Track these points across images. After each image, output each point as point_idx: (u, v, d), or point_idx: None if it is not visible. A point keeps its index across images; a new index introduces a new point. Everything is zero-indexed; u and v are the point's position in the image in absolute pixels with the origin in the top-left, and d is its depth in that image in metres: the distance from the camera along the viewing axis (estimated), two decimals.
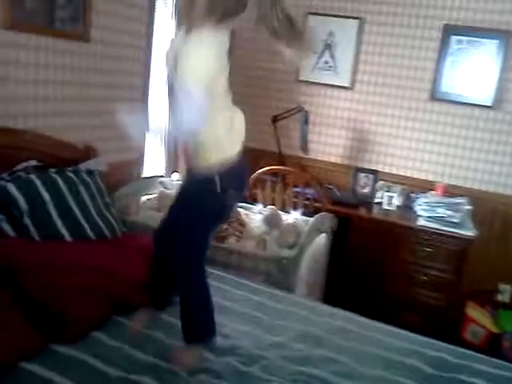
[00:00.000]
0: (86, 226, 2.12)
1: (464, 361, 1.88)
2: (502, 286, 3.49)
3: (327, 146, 3.90)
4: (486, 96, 3.40)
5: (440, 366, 1.83)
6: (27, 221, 1.88)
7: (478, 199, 3.38)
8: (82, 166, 2.37)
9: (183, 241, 1.57)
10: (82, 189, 2.21)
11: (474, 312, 3.30)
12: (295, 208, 3.19)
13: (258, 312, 2.06)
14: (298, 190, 3.31)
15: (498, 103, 3.39)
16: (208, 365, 1.64)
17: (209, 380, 1.56)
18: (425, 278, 3.13)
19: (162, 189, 3.03)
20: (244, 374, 1.62)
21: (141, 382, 1.49)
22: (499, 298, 3.51)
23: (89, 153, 2.53)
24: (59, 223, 1.99)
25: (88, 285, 1.77)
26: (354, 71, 3.73)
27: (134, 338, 1.67)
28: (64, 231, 1.99)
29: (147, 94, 3.04)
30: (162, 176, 3.23)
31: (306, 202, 3.26)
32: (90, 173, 2.34)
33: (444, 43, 3.46)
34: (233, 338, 1.83)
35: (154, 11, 2.96)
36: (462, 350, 2.00)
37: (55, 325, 1.62)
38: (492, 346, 3.13)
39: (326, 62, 3.78)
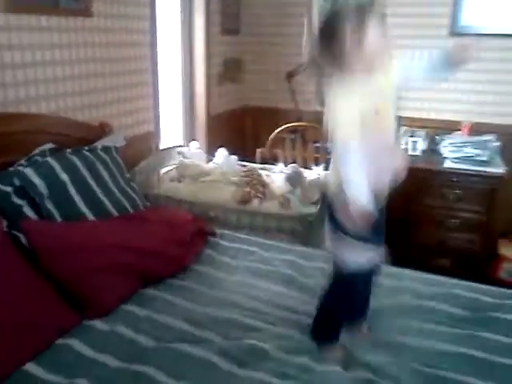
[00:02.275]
0: (108, 203, 2.14)
1: (499, 299, 1.85)
2: None
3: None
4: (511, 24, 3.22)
5: (473, 307, 1.80)
6: (49, 204, 1.90)
7: (508, 135, 3.25)
8: (99, 144, 2.38)
9: None
10: (100, 166, 2.21)
11: (508, 250, 3.23)
12: (317, 164, 3.15)
13: (290, 270, 2.06)
14: (318, 145, 3.26)
15: None
16: None
17: None
18: (455, 221, 3.07)
19: (181, 159, 3.03)
20: None
21: (175, 349, 1.52)
22: None
23: (104, 130, 2.53)
24: (81, 203, 2.01)
25: (115, 263, 1.81)
26: None
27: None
28: (86, 210, 2.01)
29: (156, 64, 3.00)
30: (180, 146, 3.22)
31: (328, 157, 3.20)
32: (106, 150, 2.35)
33: None
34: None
35: None
36: (497, 288, 1.97)
37: (84, 302, 1.67)
38: None
39: None
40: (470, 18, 3.32)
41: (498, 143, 3.10)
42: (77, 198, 2.01)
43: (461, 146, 3.11)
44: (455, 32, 3.38)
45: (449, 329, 1.68)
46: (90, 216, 2.03)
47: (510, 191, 3.24)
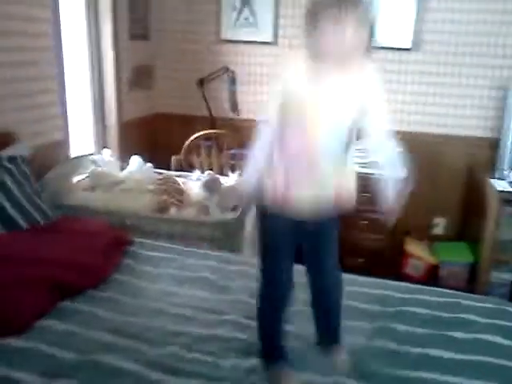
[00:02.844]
0: (17, 216, 2.02)
1: (407, 294, 1.99)
2: (436, 220, 3.69)
3: (257, 104, 3.88)
4: (405, 39, 3.47)
5: (385, 302, 1.92)
6: None
7: (408, 140, 3.49)
8: (3, 154, 2.24)
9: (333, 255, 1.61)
10: (6, 178, 2.09)
11: (413, 247, 3.48)
12: (233, 170, 3.19)
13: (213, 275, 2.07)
14: (233, 151, 3.30)
15: (416, 45, 3.47)
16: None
17: None
18: (365, 222, 3.25)
19: (93, 167, 2.92)
20: None
21: (100, 361, 1.47)
22: (434, 231, 3.71)
23: (8, 139, 2.38)
24: None
25: (26, 277, 1.71)
26: (276, 26, 3.68)
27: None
28: None
29: (62, 70, 2.87)
30: (91, 154, 3.11)
31: (243, 163, 3.25)
32: (12, 160, 2.22)
33: None
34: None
35: None
36: (404, 284, 2.12)
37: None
38: (431, 278, 3.33)
39: (246, 19, 3.70)
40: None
41: (399, 149, 3.32)
42: None
43: (366, 152, 3.29)
44: None
45: (362, 323, 1.77)
46: None
47: (412, 193, 3.49)
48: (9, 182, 2.09)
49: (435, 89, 3.55)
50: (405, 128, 3.58)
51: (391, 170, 1.51)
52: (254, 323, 1.62)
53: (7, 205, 2.01)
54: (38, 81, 2.68)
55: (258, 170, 1.48)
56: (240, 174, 1.45)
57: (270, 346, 1.55)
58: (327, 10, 1.30)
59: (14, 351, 1.50)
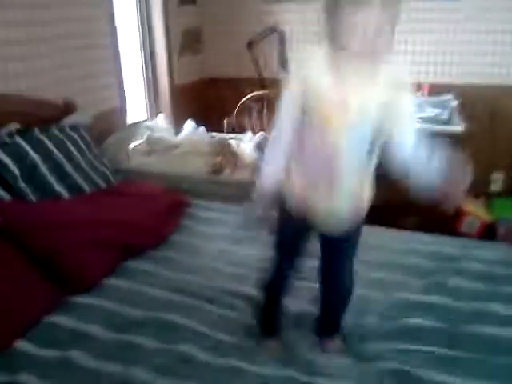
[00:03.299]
0: (81, 180, 2.14)
1: (461, 249, 1.97)
2: (495, 176, 3.57)
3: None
4: None
5: (439, 258, 1.92)
6: (22, 184, 1.89)
7: (465, 93, 3.37)
8: (66, 122, 2.35)
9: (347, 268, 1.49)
10: (69, 145, 2.20)
11: (468, 204, 3.39)
12: None
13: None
14: None
15: None
16: None
17: None
18: None
19: (149, 133, 3.02)
20: None
21: (162, 318, 1.57)
22: (492, 187, 3.59)
23: (69, 108, 2.49)
24: (54, 182, 2.01)
25: (95, 238, 1.82)
26: None
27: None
28: (60, 189, 2.02)
29: (116, 39, 2.94)
30: (146, 120, 3.20)
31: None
32: (74, 128, 2.33)
33: None
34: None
35: None
36: (459, 239, 2.10)
37: (67, 278, 1.68)
38: (488, 236, 3.25)
39: None
40: None
41: (455, 102, 3.21)
42: (49, 177, 2.01)
43: (422, 107, 3.20)
44: None
45: (415, 280, 1.79)
46: (64, 194, 2.04)
47: (469, 148, 3.38)
48: (72, 149, 2.21)
49: (487, 36, 3.36)
50: (459, 81, 3.44)
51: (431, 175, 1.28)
52: (305, 283, 1.67)
53: (73, 172, 2.12)
54: (94, 50, 2.77)
55: (277, 173, 1.35)
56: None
57: (264, 323, 1.57)
58: None
59: (83, 307, 1.63)
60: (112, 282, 1.77)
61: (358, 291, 1.56)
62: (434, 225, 3.08)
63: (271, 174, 1.35)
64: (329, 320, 1.58)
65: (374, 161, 1.32)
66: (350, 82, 1.22)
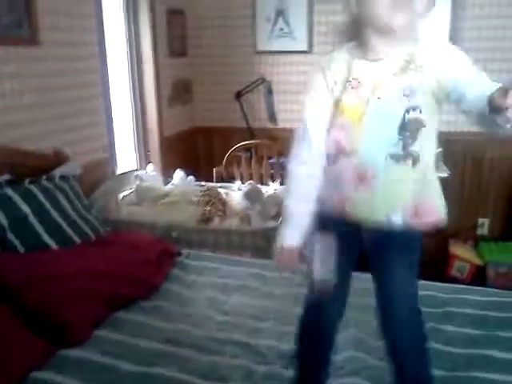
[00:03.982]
0: (70, 231, 2.13)
1: (452, 294, 1.98)
2: (481, 220, 3.63)
3: (295, 112, 3.92)
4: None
5: (430, 303, 1.91)
6: (10, 235, 1.88)
7: (448, 140, 3.46)
8: (56, 173, 2.36)
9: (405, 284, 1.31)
10: (59, 195, 2.21)
11: (458, 249, 3.42)
12: (273, 179, 3.23)
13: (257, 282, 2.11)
14: (273, 161, 3.35)
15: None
16: None
17: None
18: None
19: (138, 182, 3.04)
20: None
21: (154, 372, 1.53)
22: (479, 231, 3.64)
23: (59, 158, 2.51)
24: (43, 233, 1.99)
25: (84, 289, 1.80)
26: (310, 34, 3.72)
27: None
28: (49, 240, 2.00)
29: (108, 90, 3.01)
30: (136, 170, 3.23)
31: (283, 172, 3.30)
32: (64, 178, 2.34)
33: None
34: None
35: (101, 5, 2.90)
36: (449, 285, 2.11)
37: (59, 331, 1.65)
38: (477, 279, 3.27)
39: (281, 29, 3.76)
40: None
41: (439, 149, 3.29)
42: (39, 229, 2.00)
43: None
44: None
45: None
46: (53, 245, 2.02)
47: (454, 194, 3.45)
48: (62, 199, 2.21)
49: None
50: (446, 128, 3.54)
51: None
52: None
53: (62, 222, 2.12)
54: (85, 101, 2.82)
55: (306, 220, 1.25)
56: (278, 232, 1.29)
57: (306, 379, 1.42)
58: None
59: (73, 361, 1.58)
60: (102, 333, 1.73)
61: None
62: (425, 269, 3.10)
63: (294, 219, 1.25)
64: (408, 371, 1.32)
65: (431, 153, 1.22)
66: (379, 66, 1.16)
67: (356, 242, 1.32)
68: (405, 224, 1.23)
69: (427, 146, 1.20)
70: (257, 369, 1.56)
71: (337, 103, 1.21)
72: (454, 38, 3.41)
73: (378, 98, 1.16)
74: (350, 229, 1.27)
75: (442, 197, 1.28)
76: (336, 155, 1.24)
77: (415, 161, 1.19)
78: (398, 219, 1.22)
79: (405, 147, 1.17)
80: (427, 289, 2.03)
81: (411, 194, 1.22)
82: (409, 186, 1.22)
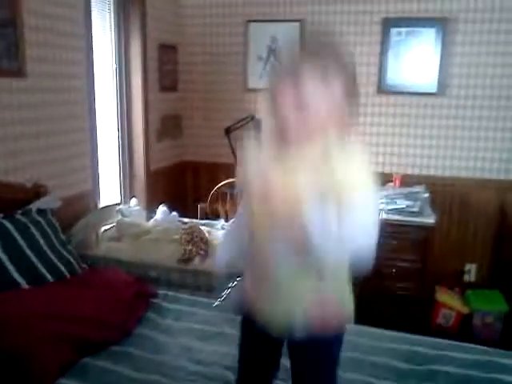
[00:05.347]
0: (43, 269, 2.05)
1: (436, 350, 1.92)
2: (468, 266, 3.58)
3: None
4: (431, 83, 3.48)
5: (413, 359, 1.86)
6: None
7: (435, 185, 3.45)
8: (33, 206, 2.30)
9: None
10: (33, 230, 2.14)
11: (443, 296, 3.36)
12: None
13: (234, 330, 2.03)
14: None
15: (442, 89, 3.47)
16: None
17: None
18: (393, 270, 3.17)
19: (120, 217, 2.97)
20: None
21: None
22: (465, 278, 3.59)
23: (39, 191, 2.45)
24: (13, 270, 1.91)
25: (52, 331, 1.72)
26: None
27: None
28: (19, 278, 1.92)
29: (94, 123, 2.97)
30: (118, 204, 3.17)
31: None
32: (41, 212, 2.28)
33: (384, 36, 3.53)
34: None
35: (91, 38, 2.90)
36: (433, 339, 2.04)
37: (23, 378, 1.56)
38: (464, 327, 3.21)
39: None
40: (394, 78, 3.56)
41: (426, 194, 3.27)
42: (9, 266, 1.92)
43: (394, 198, 3.25)
44: (382, 90, 3.60)
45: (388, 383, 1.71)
46: (24, 284, 1.94)
47: (441, 239, 3.42)
48: (37, 235, 2.14)
49: (463, 132, 3.51)
50: (432, 172, 3.53)
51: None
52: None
53: (35, 259, 2.04)
54: (71, 134, 2.78)
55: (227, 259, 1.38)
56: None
57: None
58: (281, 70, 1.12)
59: None
60: (67, 382, 1.64)
61: None
62: (410, 317, 3.04)
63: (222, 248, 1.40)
64: None
65: (340, 256, 1.11)
66: (274, 170, 1.13)
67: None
68: (307, 329, 1.16)
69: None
70: None
71: None
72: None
73: None
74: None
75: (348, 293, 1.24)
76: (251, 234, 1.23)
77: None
78: (299, 322, 1.16)
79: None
80: (411, 343, 1.97)
81: (311, 295, 1.17)
82: (309, 286, 1.17)
